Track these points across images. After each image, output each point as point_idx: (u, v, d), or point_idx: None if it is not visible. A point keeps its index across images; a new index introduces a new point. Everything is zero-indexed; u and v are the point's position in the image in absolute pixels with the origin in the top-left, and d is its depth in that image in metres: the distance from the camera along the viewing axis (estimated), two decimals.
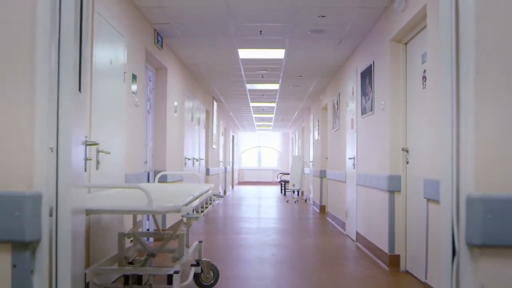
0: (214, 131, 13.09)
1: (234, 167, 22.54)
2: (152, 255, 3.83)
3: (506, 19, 1.76)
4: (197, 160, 10.21)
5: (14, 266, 1.73)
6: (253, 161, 27.16)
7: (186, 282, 3.48)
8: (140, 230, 4.35)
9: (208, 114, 12.24)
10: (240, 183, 26.34)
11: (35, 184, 1.75)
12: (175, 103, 7.71)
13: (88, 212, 2.66)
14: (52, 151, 1.84)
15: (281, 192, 18.55)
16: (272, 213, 11.32)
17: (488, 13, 1.77)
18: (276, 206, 13.20)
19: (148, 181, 6.59)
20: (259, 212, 11.42)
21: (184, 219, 3.89)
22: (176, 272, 3.14)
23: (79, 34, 2.12)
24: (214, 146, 13.28)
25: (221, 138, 15.70)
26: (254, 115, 16.97)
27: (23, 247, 1.74)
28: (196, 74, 9.41)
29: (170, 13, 5.68)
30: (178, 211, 2.92)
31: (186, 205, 3.06)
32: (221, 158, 15.42)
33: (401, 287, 4.53)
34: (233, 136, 21.56)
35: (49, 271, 1.82)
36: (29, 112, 1.76)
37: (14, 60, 1.79)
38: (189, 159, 9.12)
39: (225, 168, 17.14)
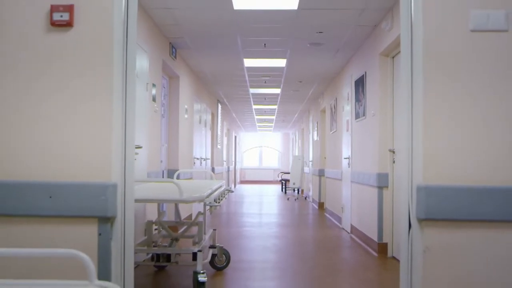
0: (219, 132, 13.82)
1: (236, 167, 23.27)
2: (175, 239, 4.56)
3: (447, 44, 2.47)
4: (204, 160, 10.94)
5: (99, 234, 2.44)
6: (255, 160, 27.90)
7: (206, 261, 4.21)
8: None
9: (213, 116, 12.96)
10: (242, 182, 27.07)
11: (112, 177, 2.47)
12: (185, 107, 8.44)
13: (137, 200, 3.37)
14: (123, 151, 2.56)
15: (282, 190, 19.27)
16: (273, 209, 12.06)
17: (432, 40, 2.48)
18: (277, 203, 13.93)
19: (163, 177, 7.30)
20: (261, 209, 12.16)
21: (201, 209, 4.63)
22: (200, 251, 3.87)
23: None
24: (219, 147, 14.01)
25: (225, 139, 16.44)
26: (256, 117, 17.70)
27: (106, 221, 2.45)
28: (204, 79, 10.14)
29: (184, 28, 6.41)
30: (202, 200, 3.65)
31: (208, 196, 3.79)
32: (224, 158, 16.15)
33: (386, 269, 5.26)
34: (235, 137, 22.30)
35: (120, 239, 2.54)
36: (108, 121, 2.47)
37: (97, 76, 2.49)
38: (197, 158, 9.84)
39: (228, 167, 17.87)
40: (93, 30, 2.48)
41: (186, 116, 8.46)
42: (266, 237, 7.38)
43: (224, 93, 11.97)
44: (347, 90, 8.15)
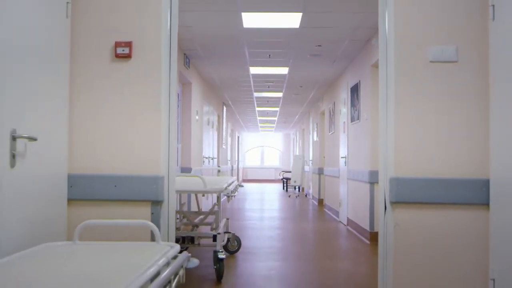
0: (224, 133, 14.63)
1: (239, 166, 24.07)
2: (196, 226, 5.37)
3: (413, 70, 3.27)
4: (212, 159, 11.75)
5: (152, 213, 3.24)
6: (256, 160, 28.71)
7: (223, 243, 5.02)
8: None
9: (219, 118, 13.77)
10: (244, 180, 27.86)
11: (161, 171, 3.27)
12: (196, 110, 9.25)
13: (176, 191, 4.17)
14: (167, 152, 3.37)
15: (283, 188, 20.08)
16: (275, 206, 12.88)
17: (402, 67, 3.28)
18: (279, 200, 14.75)
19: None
20: (265, 205, 12.97)
21: (215, 200, 5.44)
22: (219, 233, 4.69)
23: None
24: (224, 146, 14.82)
25: (229, 139, 17.24)
26: (258, 118, 18.51)
27: (156, 203, 3.26)
28: (211, 84, 10.96)
29: (199, 42, 7.22)
30: (222, 191, 4.47)
31: (226, 188, 4.60)
32: (229, 157, 16.96)
33: (376, 254, 6.07)
34: (238, 137, 23.11)
35: (166, 217, 3.35)
36: (157, 129, 3.28)
37: (149, 95, 3.30)
38: (206, 158, 10.66)
39: (232, 166, 18.68)
40: (146, 60, 3.29)
41: (197, 117, 9.27)
42: (270, 229, 8.20)
43: (230, 96, 12.78)
44: (344, 96, 8.96)
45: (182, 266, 2.38)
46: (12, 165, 2.54)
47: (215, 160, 12.67)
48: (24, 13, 2.67)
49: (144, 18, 3.29)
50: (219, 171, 13.46)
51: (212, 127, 11.94)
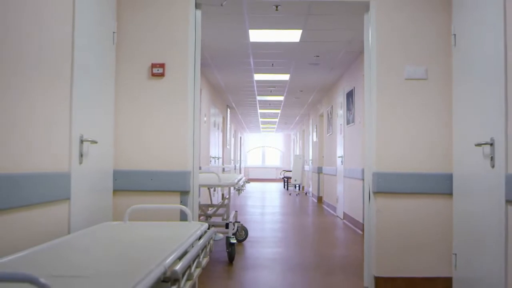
0: (228, 134, 15.41)
1: (241, 165, 24.83)
2: (209, 216, 6.15)
3: (391, 86, 4.05)
4: (217, 159, 12.52)
5: (181, 201, 4.02)
6: (258, 159, 29.49)
7: (233, 231, 5.80)
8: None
9: (224, 120, 14.54)
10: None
11: (187, 166, 4.05)
12: (204, 113, 10.02)
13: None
14: (193, 152, 4.15)
15: (284, 187, 20.84)
16: (277, 202, 13.66)
17: (382, 83, 4.06)
18: (280, 198, 15.53)
19: None
20: (266, 202, 13.75)
21: (226, 194, 6.22)
22: (230, 222, 5.47)
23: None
24: (228, 147, 15.60)
25: (232, 139, 18.01)
26: (260, 119, 19.29)
27: (185, 194, 4.03)
28: (217, 88, 11.74)
29: (209, 53, 7.99)
30: (234, 185, 5.25)
31: (237, 183, 5.39)
32: (232, 157, 17.74)
33: None
34: (240, 137, 23.88)
35: (192, 204, 4.13)
36: (185, 133, 4.06)
37: (179, 106, 4.08)
38: (212, 157, 11.43)
39: (235, 166, 19.46)
40: (176, 78, 4.06)
41: (205, 119, 10.05)
42: (273, 222, 8.98)
43: (234, 99, 13.57)
44: (340, 100, 9.74)
45: (211, 238, 3.16)
46: (80, 162, 3.32)
47: (220, 159, 13.44)
48: (87, 42, 3.46)
49: (174, 44, 4.07)
50: (223, 169, 14.25)
51: (218, 128, 12.71)
